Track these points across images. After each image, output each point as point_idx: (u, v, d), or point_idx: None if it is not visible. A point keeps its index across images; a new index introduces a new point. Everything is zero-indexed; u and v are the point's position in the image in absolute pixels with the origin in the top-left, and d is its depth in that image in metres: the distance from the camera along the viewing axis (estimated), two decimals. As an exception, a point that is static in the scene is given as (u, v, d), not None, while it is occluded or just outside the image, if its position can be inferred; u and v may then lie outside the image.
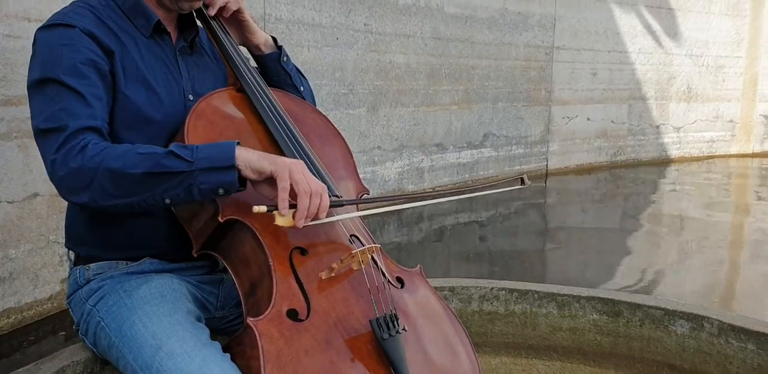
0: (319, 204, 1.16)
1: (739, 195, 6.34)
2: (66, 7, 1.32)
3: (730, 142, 8.24)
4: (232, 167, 1.13)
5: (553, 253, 4.04)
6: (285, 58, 1.52)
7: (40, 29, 1.27)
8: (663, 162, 7.49)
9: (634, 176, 6.78)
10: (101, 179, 1.13)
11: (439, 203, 1.42)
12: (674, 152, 7.71)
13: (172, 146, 1.16)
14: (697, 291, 3.25)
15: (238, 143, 1.17)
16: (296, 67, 1.58)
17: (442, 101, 5.20)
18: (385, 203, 1.39)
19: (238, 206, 1.22)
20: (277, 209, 1.14)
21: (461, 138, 5.45)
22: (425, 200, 1.38)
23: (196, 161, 1.13)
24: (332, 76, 4.15)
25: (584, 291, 2.16)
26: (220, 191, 1.15)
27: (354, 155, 4.81)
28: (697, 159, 7.79)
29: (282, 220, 1.14)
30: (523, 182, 1.35)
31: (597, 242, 4.23)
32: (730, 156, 8.09)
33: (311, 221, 1.19)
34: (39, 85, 1.21)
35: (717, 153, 8.05)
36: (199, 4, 1.38)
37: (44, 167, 1.18)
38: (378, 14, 4.48)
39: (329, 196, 1.21)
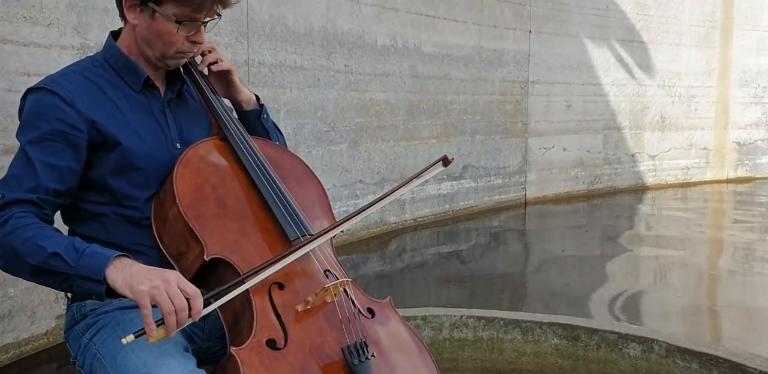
0: (191, 311, 1.22)
1: (715, 220, 6.57)
2: (62, 69, 1.45)
3: (704, 169, 8.49)
4: (100, 282, 1.23)
5: (533, 280, 4.20)
6: (265, 116, 1.67)
7: (29, 90, 1.41)
8: (639, 189, 7.71)
9: (611, 203, 7.00)
10: (9, 256, 1.28)
11: (378, 210, 1.47)
12: (650, 180, 7.94)
13: (63, 244, 1.26)
14: (673, 314, 3.42)
15: (119, 256, 1.25)
16: (274, 124, 1.72)
17: (421, 135, 5.42)
18: (330, 230, 1.42)
19: (222, 245, 1.37)
20: (144, 333, 1.20)
21: (441, 170, 5.64)
22: (361, 213, 1.41)
23: (77, 268, 1.23)
24: (314, 115, 4.36)
25: (546, 318, 2.34)
26: (93, 296, 1.28)
27: (336, 189, 4.98)
28: (673, 186, 8.02)
29: (154, 338, 1.21)
30: (445, 162, 1.37)
31: (577, 269, 4.40)
32: (705, 183, 8.32)
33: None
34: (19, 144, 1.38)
35: (692, 180, 8.28)
36: (185, 62, 1.51)
37: None
38: (357, 55, 4.71)
39: (305, 235, 1.37)
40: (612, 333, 2.20)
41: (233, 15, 3.60)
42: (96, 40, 2.60)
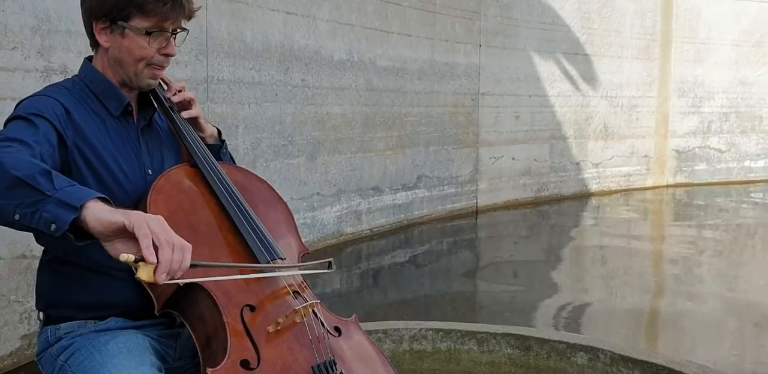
0: (182, 261, 1.15)
1: (656, 224, 6.89)
2: (47, 87, 1.49)
3: (645, 175, 8.86)
4: (75, 208, 1.12)
5: (483, 287, 4.36)
6: (224, 150, 1.73)
7: (24, 98, 1.44)
8: (584, 196, 8.00)
9: (557, 209, 7.27)
10: None
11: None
12: (594, 187, 8.25)
13: (54, 174, 1.18)
14: (619, 318, 3.62)
15: (106, 200, 1.17)
16: (231, 157, 1.77)
17: (377, 147, 5.54)
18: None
19: (194, 272, 1.43)
20: (143, 259, 1.12)
21: (396, 181, 5.80)
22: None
23: (58, 191, 1.14)
24: (272, 129, 4.43)
25: (500, 329, 2.47)
26: (52, 226, 1.13)
27: (294, 202, 5.05)
28: (616, 192, 8.34)
29: (144, 273, 1.11)
30: (330, 266, 1.51)
31: (526, 273, 4.59)
32: (646, 189, 8.69)
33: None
34: (5, 123, 1.37)
35: (634, 186, 8.63)
36: (157, 82, 1.57)
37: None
38: (314, 70, 4.81)
39: (276, 258, 1.43)
40: (561, 342, 2.35)
41: (193, 33, 3.61)
42: (60, 63, 2.62)
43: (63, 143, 1.39)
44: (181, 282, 1.25)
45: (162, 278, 1.13)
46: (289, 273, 1.51)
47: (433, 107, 6.15)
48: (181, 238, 1.17)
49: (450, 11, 6.25)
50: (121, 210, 1.16)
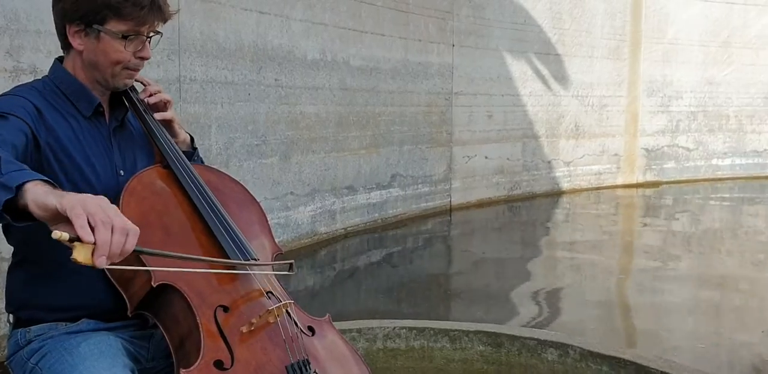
0: (124, 243, 1.08)
1: (626, 222, 7.02)
2: (15, 87, 1.48)
3: (615, 174, 9.00)
4: (11, 189, 1.08)
5: (457, 285, 4.41)
6: (195, 157, 1.73)
7: None
8: (556, 194, 8.11)
9: (529, 207, 7.37)
10: None
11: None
12: (565, 185, 8.36)
13: (3, 160, 1.14)
14: (585, 312, 3.69)
15: (49, 182, 1.13)
16: (202, 163, 1.77)
17: (351, 146, 5.56)
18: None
19: (168, 273, 1.41)
20: (79, 239, 1.04)
21: (370, 180, 5.82)
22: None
23: (3, 175, 1.10)
24: (245, 129, 4.42)
25: (472, 326, 2.51)
26: None
27: (268, 201, 5.04)
28: (587, 190, 8.47)
29: (80, 254, 1.04)
30: (291, 268, 1.53)
31: (498, 270, 4.65)
32: (617, 187, 8.83)
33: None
34: None
35: (604, 184, 8.76)
36: (132, 82, 1.56)
37: None
38: (288, 69, 4.80)
39: (249, 259, 1.45)
40: (532, 339, 2.40)
41: (165, 33, 3.58)
42: (29, 63, 2.60)
43: (36, 142, 1.38)
44: (128, 268, 1.21)
45: (101, 262, 1.05)
46: (253, 272, 1.50)
47: (406, 106, 6.19)
48: (127, 220, 1.10)
49: (423, 11, 6.29)
50: (60, 192, 1.10)
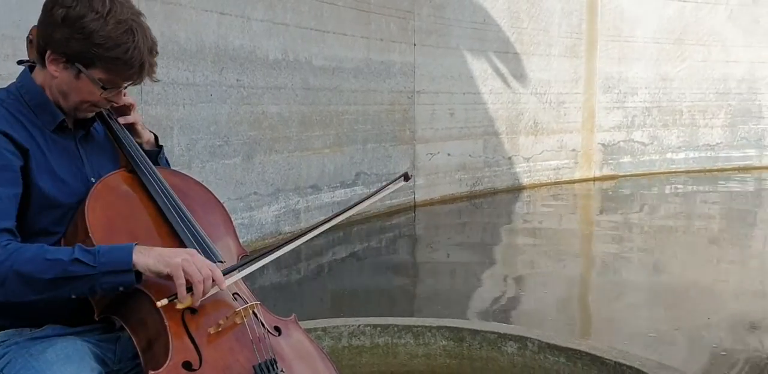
0: (213, 281, 1.38)
1: (584, 214, 7.21)
2: None
3: (573, 168, 9.20)
4: (130, 270, 1.32)
5: (421, 280, 4.49)
6: (161, 155, 1.74)
7: None
8: (516, 189, 8.27)
9: (491, 202, 7.51)
10: (11, 282, 1.29)
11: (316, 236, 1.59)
12: (525, 180, 8.52)
13: (76, 250, 1.32)
14: (546, 303, 3.80)
15: (137, 244, 1.35)
16: (167, 161, 1.79)
17: (314, 145, 5.59)
18: (268, 252, 1.57)
19: None
20: (177, 298, 1.36)
21: (335, 178, 5.86)
22: (303, 237, 1.57)
23: (98, 266, 1.30)
24: (207, 130, 4.42)
25: (435, 322, 2.58)
26: (120, 288, 1.36)
27: (231, 202, 5.04)
28: (546, 185, 8.65)
29: (183, 304, 1.38)
30: (407, 177, 1.59)
31: (463, 263, 4.75)
32: (575, 181, 9.04)
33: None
34: None
35: (563, 179, 8.95)
36: (93, 115, 1.56)
37: None
38: (249, 70, 4.81)
39: (215, 262, 1.46)
40: (492, 333, 2.47)
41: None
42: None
43: (17, 165, 1.40)
44: (211, 293, 1.45)
45: (199, 303, 1.40)
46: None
47: (369, 105, 6.24)
48: (207, 265, 1.38)
49: (384, 10, 6.34)
50: (160, 257, 1.36)
